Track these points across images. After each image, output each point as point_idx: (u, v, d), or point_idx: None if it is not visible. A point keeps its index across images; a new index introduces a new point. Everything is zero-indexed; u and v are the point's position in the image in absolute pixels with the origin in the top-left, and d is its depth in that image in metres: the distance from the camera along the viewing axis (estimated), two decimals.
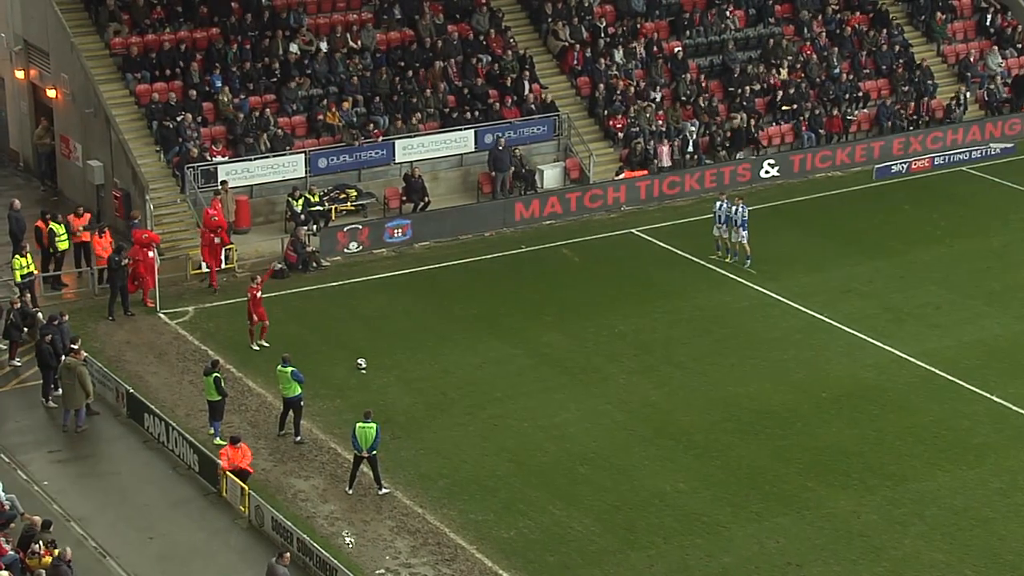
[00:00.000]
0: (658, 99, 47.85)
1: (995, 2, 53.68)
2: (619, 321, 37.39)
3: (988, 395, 33.37)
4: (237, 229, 41.38)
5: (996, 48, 52.48)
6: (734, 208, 40.32)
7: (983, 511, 29.12)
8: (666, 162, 46.59)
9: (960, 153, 48.39)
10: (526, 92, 46.54)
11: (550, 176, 45.72)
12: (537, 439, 32.00)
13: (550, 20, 48.86)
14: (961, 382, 33.98)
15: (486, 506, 29.55)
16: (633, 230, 43.53)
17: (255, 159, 42.56)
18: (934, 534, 28.46)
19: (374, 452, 29.79)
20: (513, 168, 44.89)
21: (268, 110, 43.51)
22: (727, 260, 40.58)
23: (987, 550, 28.03)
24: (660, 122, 47.23)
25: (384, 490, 29.97)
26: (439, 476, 30.59)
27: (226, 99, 43.37)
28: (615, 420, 32.76)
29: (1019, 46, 52.91)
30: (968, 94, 50.83)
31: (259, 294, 35.64)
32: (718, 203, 41.05)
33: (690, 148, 46.90)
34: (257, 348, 35.56)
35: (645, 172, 46.03)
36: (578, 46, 48.38)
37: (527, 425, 32.55)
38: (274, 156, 42.83)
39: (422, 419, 32.83)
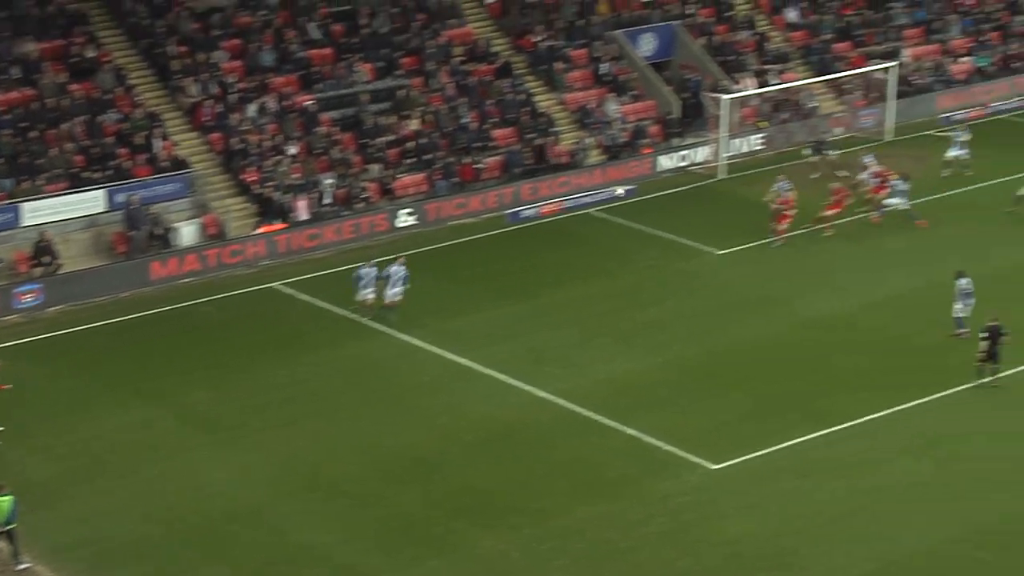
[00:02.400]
0: (293, 152, 48.04)
1: (609, 51, 56.21)
2: (265, 375, 37.24)
3: (623, 428, 34.75)
4: None
5: (613, 95, 54.97)
6: (394, 268, 40.23)
7: (623, 542, 30.08)
8: (304, 215, 46.75)
9: (586, 196, 50.37)
10: (157, 149, 45.92)
11: (187, 233, 45.17)
12: (186, 500, 31.49)
13: (177, 77, 48.42)
14: (597, 417, 35.17)
15: (136, 573, 28.85)
16: (274, 284, 43.49)
17: None
18: (577, 567, 29.30)
19: (11, 526, 28.69)
20: (148, 227, 44.16)
21: None
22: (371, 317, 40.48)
23: None
24: (296, 175, 47.40)
25: (23, 564, 28.88)
26: (83, 545, 29.68)
27: None
28: (264, 475, 32.57)
29: (634, 93, 55.57)
30: (589, 139, 53.04)
31: None
32: (365, 269, 40.42)
33: (327, 200, 47.22)
34: None
35: (284, 225, 46.07)
36: (209, 102, 48.09)
37: (176, 486, 31.98)
38: None
39: (65, 488, 31.80)
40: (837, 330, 39.88)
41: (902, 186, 47.15)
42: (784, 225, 46.10)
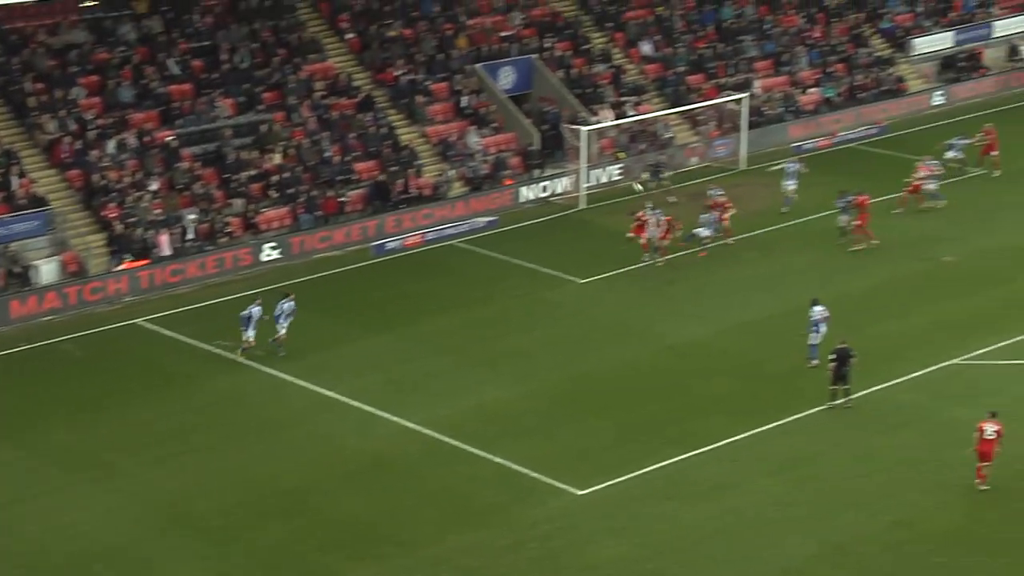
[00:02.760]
0: (154, 188, 47.81)
1: (470, 85, 56.85)
2: (130, 413, 37.06)
3: (490, 456, 35.18)
4: None
5: (474, 128, 55.59)
6: (285, 304, 40.32)
7: (495, 568, 30.52)
8: (166, 250, 46.56)
9: (449, 228, 50.84)
10: (14, 187, 45.42)
11: (47, 271, 44.72)
12: (49, 541, 31.22)
13: (34, 114, 47.96)
14: (465, 446, 35.58)
15: None
16: (138, 320, 43.26)
17: None
18: None
19: None
20: (5, 265, 43.65)
21: None
22: (259, 352, 40.41)
23: None
24: (158, 211, 47.19)
25: None
26: None
27: None
28: (130, 514, 32.43)
29: (495, 125, 56.26)
30: (452, 171, 53.56)
31: None
32: (255, 308, 40.28)
33: (190, 235, 47.09)
34: None
35: (146, 261, 45.84)
36: (67, 138, 47.70)
37: (38, 528, 31.71)
38: None
39: None
40: (695, 356, 40.84)
41: (711, 217, 48.60)
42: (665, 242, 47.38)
